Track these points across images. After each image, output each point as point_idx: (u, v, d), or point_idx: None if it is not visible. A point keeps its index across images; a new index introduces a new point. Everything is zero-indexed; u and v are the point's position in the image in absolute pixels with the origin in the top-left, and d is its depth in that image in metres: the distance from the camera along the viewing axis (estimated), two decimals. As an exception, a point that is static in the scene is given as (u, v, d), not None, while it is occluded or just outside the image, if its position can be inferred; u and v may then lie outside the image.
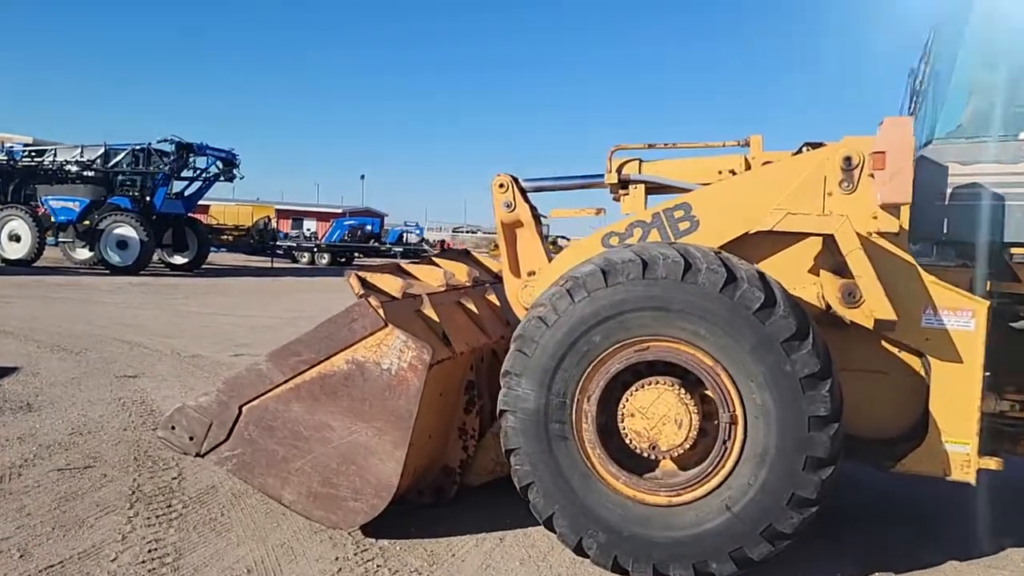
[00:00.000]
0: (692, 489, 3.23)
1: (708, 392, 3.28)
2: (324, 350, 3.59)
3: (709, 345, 3.16)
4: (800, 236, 3.63)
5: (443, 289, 4.30)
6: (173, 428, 3.75)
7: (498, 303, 4.67)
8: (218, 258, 33.65)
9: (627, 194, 4.22)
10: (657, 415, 3.27)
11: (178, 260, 25.16)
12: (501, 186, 4.32)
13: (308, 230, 49.76)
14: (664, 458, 3.31)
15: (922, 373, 3.54)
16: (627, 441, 3.33)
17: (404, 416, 3.50)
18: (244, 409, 3.68)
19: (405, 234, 46.87)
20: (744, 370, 3.12)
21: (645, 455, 3.32)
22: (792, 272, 3.63)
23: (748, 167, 4.07)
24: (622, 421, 3.33)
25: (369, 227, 39.58)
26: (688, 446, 3.25)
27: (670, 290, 3.17)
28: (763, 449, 3.11)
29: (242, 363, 8.35)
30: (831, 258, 3.56)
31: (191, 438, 3.73)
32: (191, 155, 24.25)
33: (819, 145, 3.75)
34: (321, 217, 60.93)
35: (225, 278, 23.55)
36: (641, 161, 4.25)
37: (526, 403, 3.35)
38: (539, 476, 3.36)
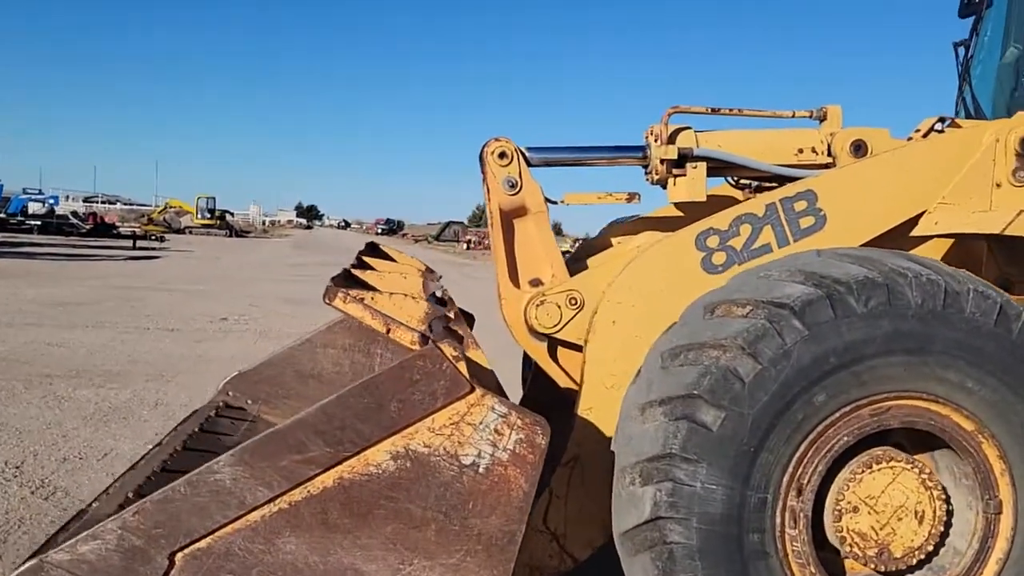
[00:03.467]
0: None
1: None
2: (353, 440, 2.00)
3: (975, 402, 2.22)
4: (927, 237, 2.86)
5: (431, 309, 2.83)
6: (17, 610, 1.89)
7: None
8: None
9: (683, 174, 3.09)
10: (891, 508, 2.26)
11: None
12: (502, 155, 2.98)
13: None
14: (880, 568, 2.31)
15: None
16: (847, 548, 2.27)
17: (501, 542, 2.07)
18: (180, 558, 1.96)
19: (31, 204, 39.58)
20: (1022, 436, 2.23)
21: (871, 567, 2.29)
22: None
23: (829, 146, 3.18)
24: (838, 520, 2.26)
25: (-14, 195, 32.53)
26: (931, 548, 2.29)
27: (930, 324, 2.17)
28: None
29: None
30: (994, 269, 2.84)
31: (61, 625, 1.91)
32: None
33: (947, 121, 3.00)
34: None
35: None
36: (696, 132, 3.16)
37: (710, 504, 2.12)
38: None
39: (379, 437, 2.01)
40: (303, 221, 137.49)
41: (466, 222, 77.27)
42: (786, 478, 2.17)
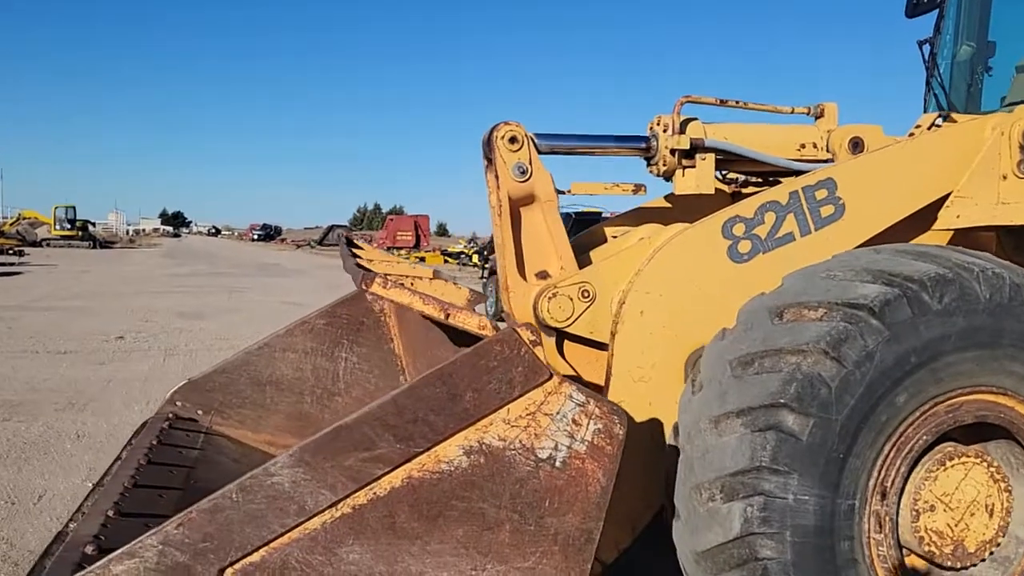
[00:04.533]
0: None
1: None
2: (425, 434, 1.81)
3: None
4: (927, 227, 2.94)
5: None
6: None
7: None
8: None
9: (692, 165, 3.04)
10: (964, 503, 2.27)
11: None
12: (513, 140, 2.83)
13: None
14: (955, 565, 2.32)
15: None
16: (924, 548, 2.26)
17: (579, 542, 1.93)
18: (231, 574, 1.71)
19: None
20: None
21: (949, 567, 2.30)
22: None
23: (827, 142, 3.21)
24: (916, 520, 2.24)
25: None
26: (999, 540, 2.31)
27: (999, 318, 2.18)
28: None
29: None
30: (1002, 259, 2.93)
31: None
32: None
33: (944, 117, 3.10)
34: None
35: None
36: (703, 124, 3.12)
37: (803, 516, 2.05)
38: None
39: (452, 430, 1.83)
40: (170, 229, 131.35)
41: (348, 224, 75.43)
42: (872, 482, 2.14)
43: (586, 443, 1.91)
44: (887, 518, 2.16)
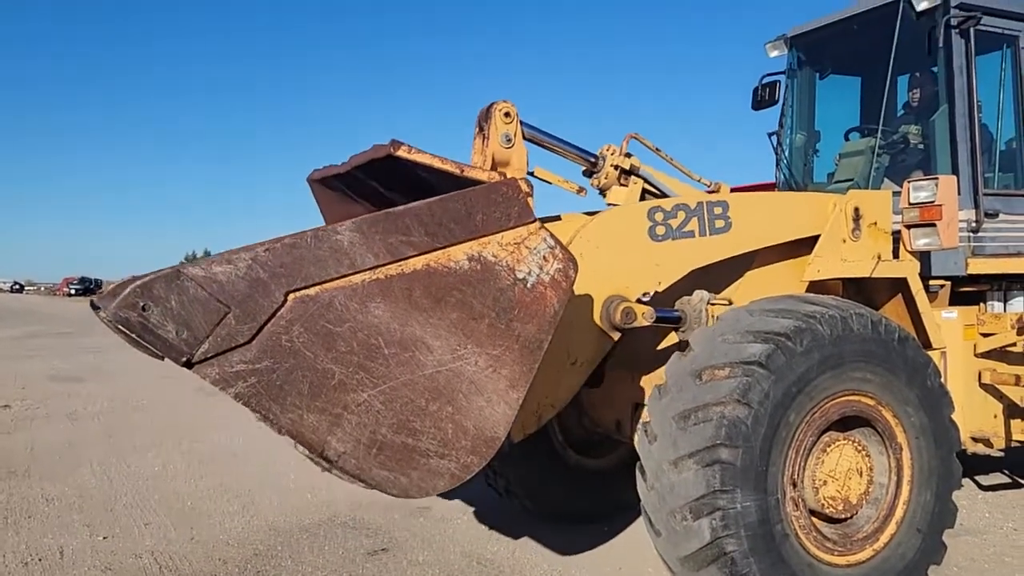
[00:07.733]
0: (883, 531, 3.28)
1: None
2: (445, 235, 2.47)
3: (873, 387, 3.24)
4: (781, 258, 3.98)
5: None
6: (145, 309, 2.09)
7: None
8: None
9: (625, 185, 3.99)
10: (843, 472, 3.20)
11: None
12: (507, 115, 3.60)
13: None
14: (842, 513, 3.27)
15: None
16: (826, 511, 3.19)
17: (532, 346, 2.60)
18: (292, 298, 2.27)
19: None
20: (902, 398, 3.29)
21: (842, 518, 3.25)
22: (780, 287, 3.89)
23: None
24: (816, 493, 3.16)
25: None
26: (870, 489, 3.27)
27: (840, 345, 3.14)
28: (928, 463, 3.32)
29: None
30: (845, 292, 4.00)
31: (180, 332, 2.13)
32: None
33: None
34: None
35: None
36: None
37: (749, 516, 2.91)
38: None
39: (463, 238, 2.50)
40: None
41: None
42: (785, 479, 3.03)
43: (549, 275, 2.63)
44: (799, 499, 3.08)
